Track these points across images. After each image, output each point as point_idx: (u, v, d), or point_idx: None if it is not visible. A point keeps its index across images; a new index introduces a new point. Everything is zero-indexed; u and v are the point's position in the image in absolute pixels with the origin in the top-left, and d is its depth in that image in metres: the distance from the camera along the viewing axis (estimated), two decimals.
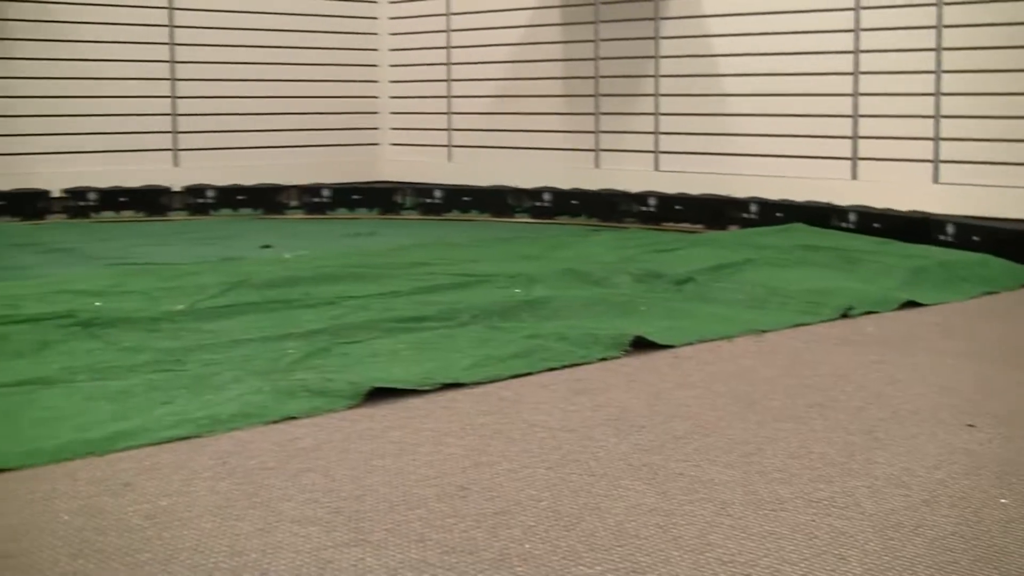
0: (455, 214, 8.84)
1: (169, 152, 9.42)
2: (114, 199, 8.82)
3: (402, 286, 5.29)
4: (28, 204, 8.55)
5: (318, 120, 10.09)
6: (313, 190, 9.13)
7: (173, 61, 9.40)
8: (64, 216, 8.64)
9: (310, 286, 5.25)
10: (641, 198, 8.21)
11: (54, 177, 8.76)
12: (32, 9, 8.80)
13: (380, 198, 9.16)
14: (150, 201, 8.91)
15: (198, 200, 9.01)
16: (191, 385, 3.61)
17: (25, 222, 8.35)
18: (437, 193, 8.97)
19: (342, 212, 9.01)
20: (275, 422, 3.28)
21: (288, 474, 2.82)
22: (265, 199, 9.08)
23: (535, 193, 8.69)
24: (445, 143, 10.13)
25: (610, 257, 6.11)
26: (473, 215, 8.80)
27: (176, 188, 9.06)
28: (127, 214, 8.77)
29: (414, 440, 3.12)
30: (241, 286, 5.19)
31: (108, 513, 2.55)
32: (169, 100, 9.39)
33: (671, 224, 7.97)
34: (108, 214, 8.73)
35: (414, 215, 8.93)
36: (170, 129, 9.40)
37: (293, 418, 3.31)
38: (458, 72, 10.00)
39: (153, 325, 4.44)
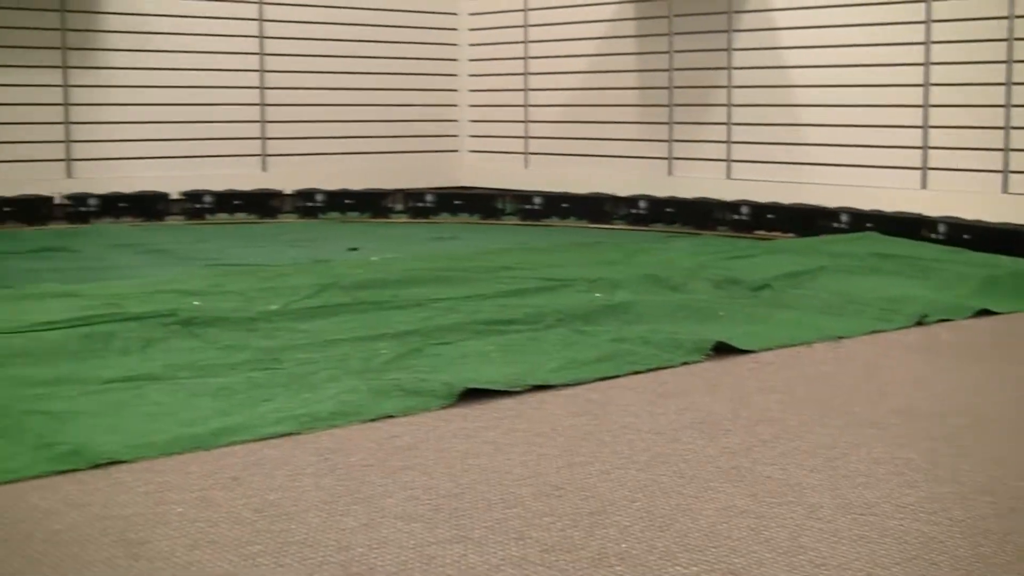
0: (554, 220, 8.85)
1: (258, 157, 9.51)
2: (228, 202, 8.96)
3: (487, 289, 5.29)
4: (149, 206, 8.71)
5: (399, 127, 10.14)
6: (417, 195, 9.19)
7: (263, 70, 9.48)
8: (183, 218, 8.79)
9: (398, 288, 5.27)
10: (734, 206, 8.15)
11: (173, 180, 8.94)
12: (133, 21, 8.91)
13: (480, 203, 9.20)
14: (260, 204, 9.03)
15: (307, 204, 9.10)
16: (289, 383, 3.64)
17: (147, 223, 8.54)
18: (536, 200, 9.00)
19: (445, 216, 9.07)
20: (372, 420, 3.29)
21: (388, 471, 2.83)
22: (371, 203, 9.14)
23: (631, 200, 8.66)
24: (522, 150, 10.13)
25: (688, 263, 6.08)
26: (571, 221, 8.81)
27: (287, 192, 9.18)
28: (239, 216, 8.90)
29: (507, 440, 3.12)
30: (332, 287, 5.22)
31: (219, 506, 2.58)
32: (259, 108, 9.48)
33: (762, 232, 7.90)
34: (223, 216, 8.85)
35: (514, 220, 8.94)
36: (259, 135, 9.49)
37: (389, 416, 3.32)
38: (535, 82, 10.00)
39: (250, 325, 4.47)
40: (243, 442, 3.06)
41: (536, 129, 10.02)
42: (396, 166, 10.03)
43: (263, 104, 9.49)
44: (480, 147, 10.49)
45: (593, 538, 2.40)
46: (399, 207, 9.25)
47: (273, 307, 4.77)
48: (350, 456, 2.95)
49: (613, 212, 8.75)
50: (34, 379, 3.66)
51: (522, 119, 10.09)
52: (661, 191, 8.75)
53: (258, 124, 9.48)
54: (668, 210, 8.51)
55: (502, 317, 4.61)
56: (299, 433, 3.15)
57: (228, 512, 2.54)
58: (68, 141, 8.70)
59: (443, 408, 3.42)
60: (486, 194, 9.49)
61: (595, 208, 8.79)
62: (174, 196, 8.83)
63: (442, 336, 4.31)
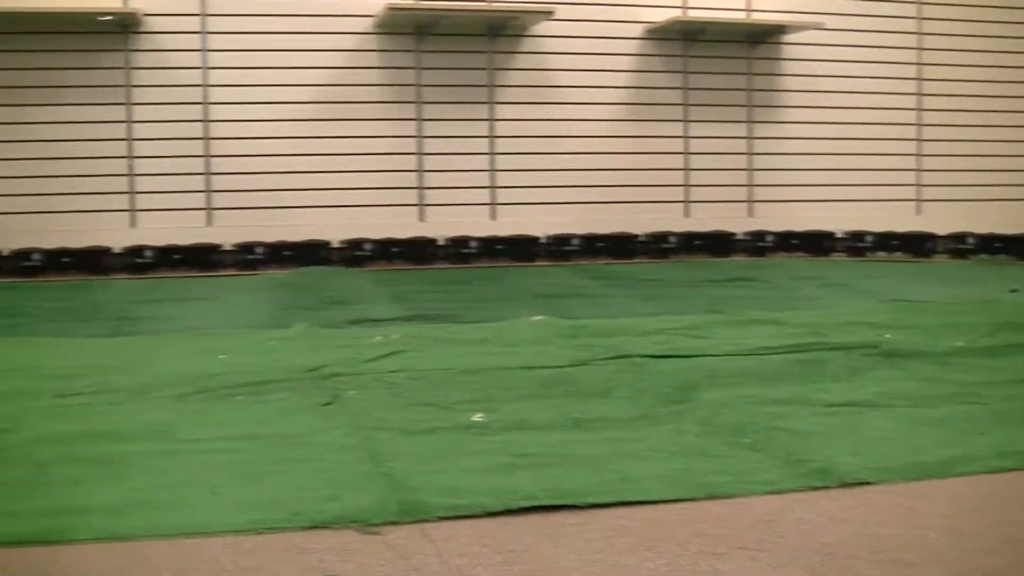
0: None
1: (913, 203, 9.25)
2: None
3: None
4: (817, 243, 8.72)
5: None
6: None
7: (920, 124, 9.20)
8: (845, 255, 8.76)
9: None
10: None
11: (837, 220, 8.94)
12: (807, 82, 8.95)
13: None
14: (915, 244, 8.81)
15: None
16: (998, 418, 3.42)
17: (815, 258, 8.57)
18: None
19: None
20: None
21: None
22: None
23: None
24: None
25: None
26: None
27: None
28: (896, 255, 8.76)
29: None
30: (1008, 327, 4.91)
31: (969, 535, 2.44)
32: (915, 158, 9.21)
33: None
34: (881, 254, 8.74)
35: None
36: (914, 183, 9.22)
37: None
38: None
39: (942, 359, 4.28)
40: (970, 473, 2.91)
41: None
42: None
43: (919, 155, 9.21)
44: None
45: None
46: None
47: (959, 343, 4.55)
48: None
49: None
50: (767, 398, 3.68)
51: None
52: None
53: (913, 172, 9.21)
54: None
55: None
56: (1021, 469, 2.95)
57: (978, 542, 2.41)
58: (750, 185, 8.86)
59: None
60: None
61: None
62: (838, 234, 8.79)
63: None
